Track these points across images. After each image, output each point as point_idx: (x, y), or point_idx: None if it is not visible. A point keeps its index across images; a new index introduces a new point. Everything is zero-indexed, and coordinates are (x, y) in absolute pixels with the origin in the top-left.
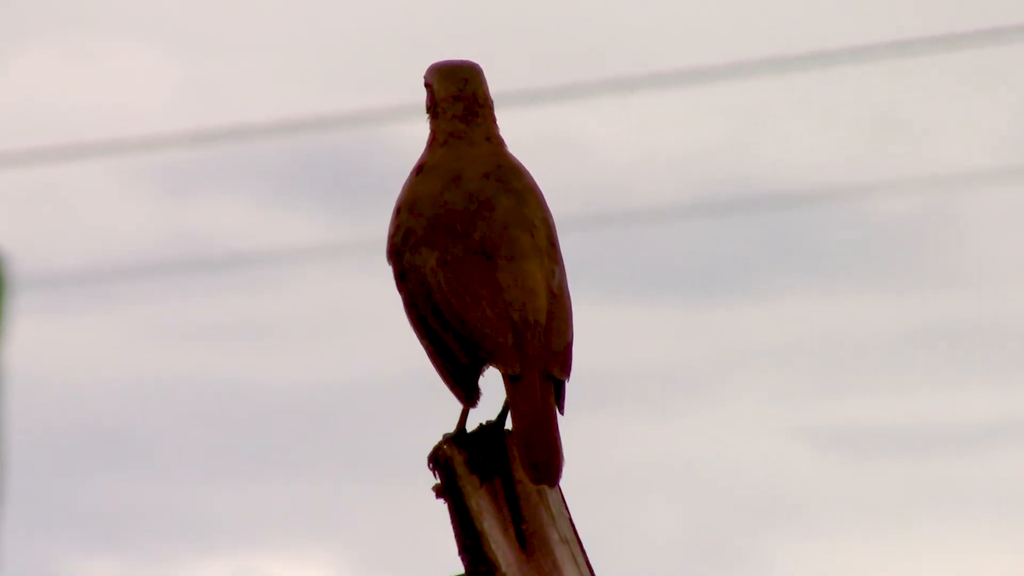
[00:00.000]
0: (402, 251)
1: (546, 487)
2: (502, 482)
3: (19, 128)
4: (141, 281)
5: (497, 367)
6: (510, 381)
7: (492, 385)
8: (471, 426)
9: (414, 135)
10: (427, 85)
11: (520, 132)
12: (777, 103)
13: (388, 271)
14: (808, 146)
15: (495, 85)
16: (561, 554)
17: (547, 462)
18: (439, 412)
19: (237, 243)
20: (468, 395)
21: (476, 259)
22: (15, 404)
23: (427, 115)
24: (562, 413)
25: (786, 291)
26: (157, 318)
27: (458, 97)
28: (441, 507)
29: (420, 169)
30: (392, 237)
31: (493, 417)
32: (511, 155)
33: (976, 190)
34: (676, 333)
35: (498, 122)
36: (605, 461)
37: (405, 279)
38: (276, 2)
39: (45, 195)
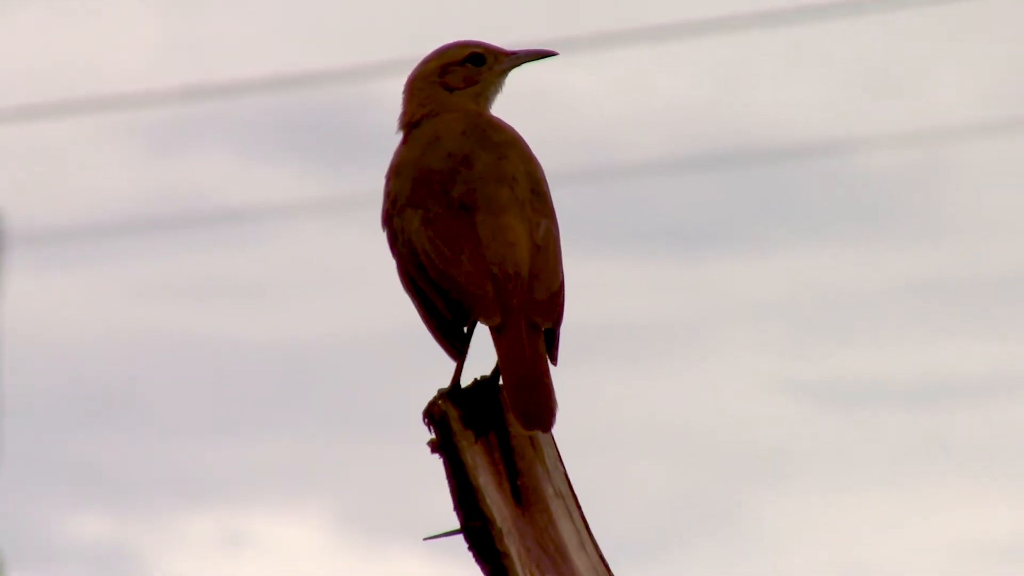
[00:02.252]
0: (392, 215)
1: (539, 434)
2: (497, 437)
3: (6, 86)
4: (129, 237)
5: (480, 320)
6: (495, 332)
7: (486, 341)
8: (465, 381)
9: (398, 92)
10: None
11: (508, 88)
12: (766, 57)
13: (373, 225)
14: (797, 101)
15: (491, 42)
16: (556, 508)
17: (537, 407)
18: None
19: (223, 199)
20: (457, 350)
21: (456, 215)
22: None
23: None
24: (554, 363)
25: (776, 245)
26: (146, 274)
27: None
28: (433, 463)
29: (406, 140)
30: (384, 203)
31: (488, 373)
32: (491, 114)
33: (965, 143)
34: (665, 287)
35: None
36: (594, 414)
37: (397, 241)
38: None
39: (33, 152)
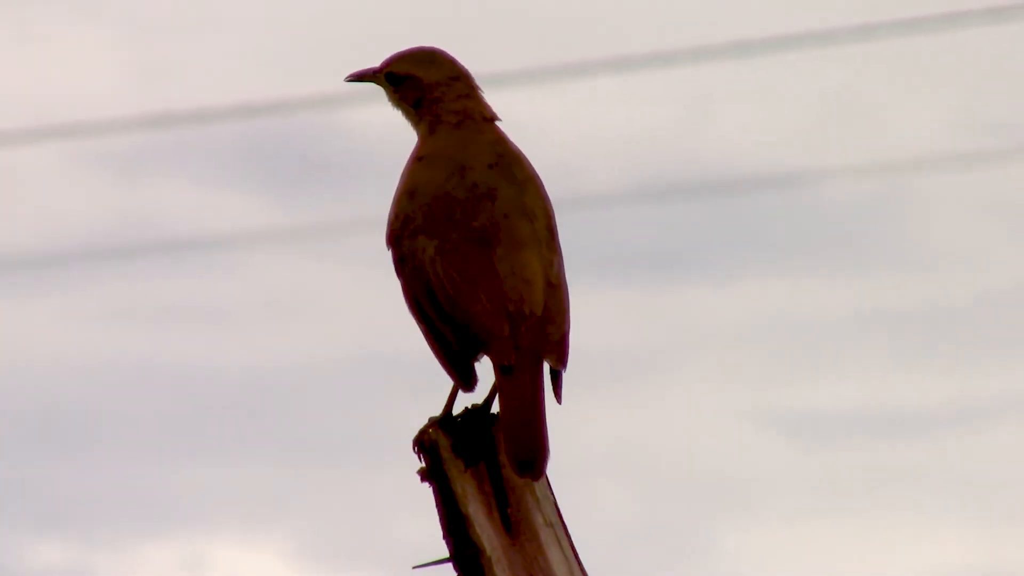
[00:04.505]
0: (401, 237)
1: (527, 478)
2: (487, 466)
3: None
4: (93, 264)
5: (492, 357)
6: (503, 372)
7: (480, 369)
8: (458, 409)
9: (363, 121)
10: (407, 75)
11: (497, 115)
12: (730, 88)
13: (338, 253)
14: (761, 131)
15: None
16: (546, 537)
17: (532, 457)
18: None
19: (188, 227)
20: (465, 380)
21: (474, 248)
22: None
23: (405, 105)
24: (559, 402)
25: (739, 275)
26: (109, 301)
27: (455, 78)
28: (407, 491)
29: (421, 156)
30: (392, 223)
31: (479, 401)
32: (512, 143)
33: (928, 174)
34: (629, 316)
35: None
36: (560, 442)
37: (404, 265)
38: None
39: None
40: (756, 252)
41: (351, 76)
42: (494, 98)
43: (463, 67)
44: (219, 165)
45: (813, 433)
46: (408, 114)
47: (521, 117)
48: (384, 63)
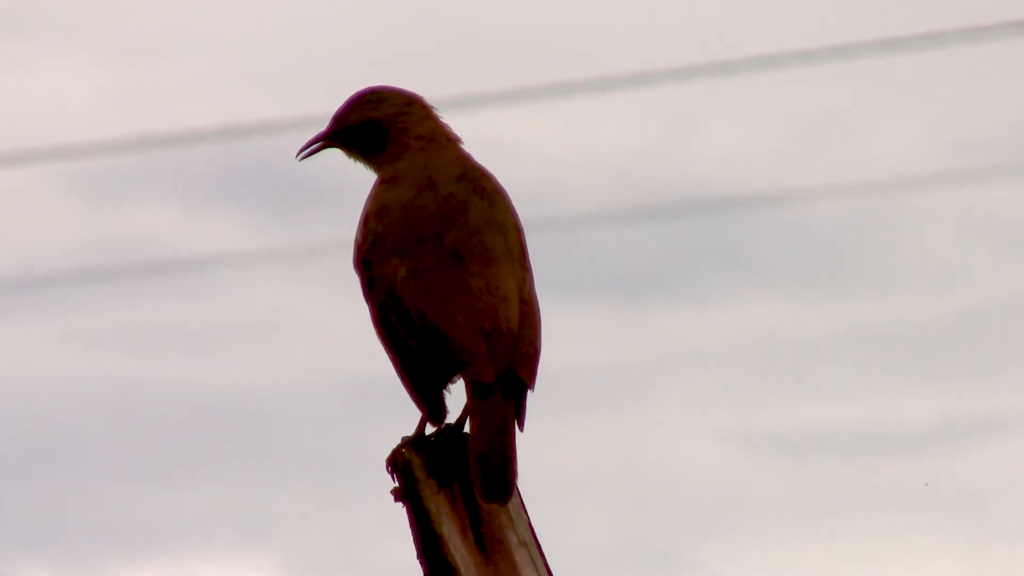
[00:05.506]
0: (371, 260)
1: (494, 503)
2: (460, 486)
3: None
4: (71, 287)
5: (465, 376)
6: (477, 392)
7: (453, 389)
8: (430, 429)
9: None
10: (361, 122)
11: (459, 135)
12: (711, 108)
13: (318, 275)
14: (741, 151)
15: (435, 90)
16: (520, 557)
17: (502, 480)
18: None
19: (166, 249)
20: (434, 411)
21: (448, 266)
22: None
23: (363, 158)
24: (521, 430)
25: (720, 294)
26: (88, 323)
27: (408, 103)
28: (381, 512)
29: (387, 179)
30: (360, 246)
31: (452, 421)
32: (475, 161)
33: (908, 193)
34: (611, 336)
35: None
36: (538, 462)
37: (373, 288)
38: (205, 11)
39: None
40: (736, 272)
41: (301, 152)
42: (475, 119)
43: (411, 93)
44: (200, 187)
45: (793, 452)
46: (369, 164)
47: (502, 137)
48: (332, 123)
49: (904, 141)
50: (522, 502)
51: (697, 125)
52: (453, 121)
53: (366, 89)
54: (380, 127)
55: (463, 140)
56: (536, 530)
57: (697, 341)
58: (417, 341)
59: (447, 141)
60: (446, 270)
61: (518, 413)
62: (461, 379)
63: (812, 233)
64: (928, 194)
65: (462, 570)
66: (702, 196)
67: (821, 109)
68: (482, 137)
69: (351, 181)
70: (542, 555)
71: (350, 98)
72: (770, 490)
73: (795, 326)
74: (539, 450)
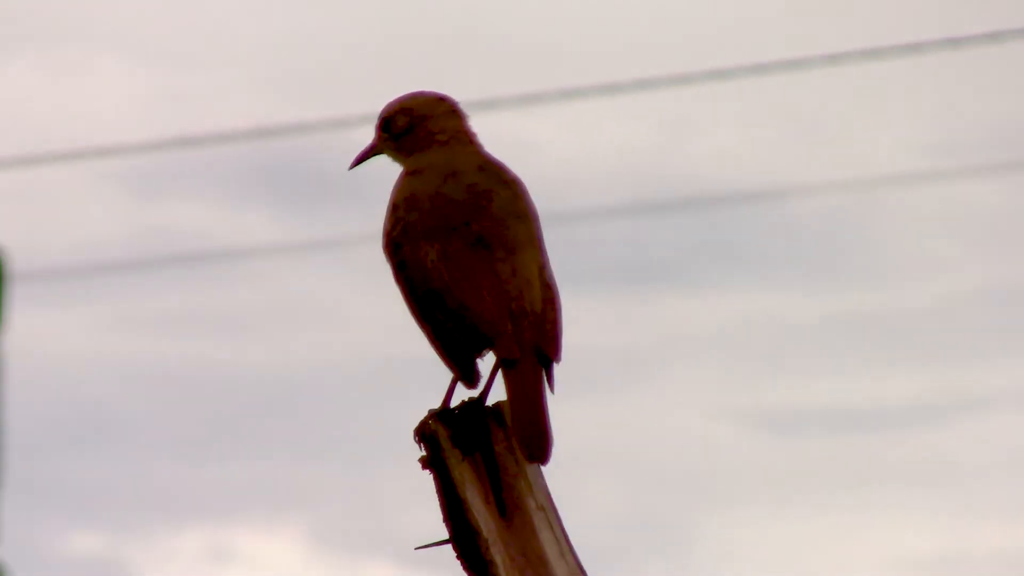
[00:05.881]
0: (401, 244)
1: (536, 462)
2: (483, 455)
3: (7, 135)
4: (119, 275)
5: (497, 352)
6: (507, 365)
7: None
8: (455, 402)
9: (365, 142)
10: (399, 110)
11: (478, 135)
12: (708, 111)
13: (342, 263)
14: (737, 151)
15: (458, 93)
16: (538, 521)
17: (540, 442)
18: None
19: (203, 240)
20: (467, 375)
21: (476, 251)
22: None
23: (391, 140)
24: (552, 392)
25: (717, 283)
26: (135, 309)
27: (441, 99)
28: (408, 481)
29: (412, 171)
30: (389, 232)
31: (475, 395)
32: (492, 156)
33: (890, 191)
34: (615, 322)
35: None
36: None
37: (404, 271)
38: (237, 22)
39: (33, 197)
40: (733, 262)
41: (354, 163)
42: (492, 120)
43: (442, 95)
44: (232, 184)
45: (785, 428)
46: (398, 157)
47: (516, 137)
48: (378, 132)
49: (886, 142)
50: (540, 470)
51: (696, 127)
52: (475, 121)
53: (405, 95)
54: (412, 115)
55: (480, 140)
56: (552, 496)
57: (697, 326)
58: (447, 320)
59: (467, 139)
60: (474, 255)
61: (548, 380)
62: (490, 353)
63: (803, 227)
64: (908, 191)
65: (484, 532)
66: (701, 192)
67: (810, 112)
68: (501, 136)
69: (372, 178)
70: (558, 519)
71: (390, 104)
72: (763, 463)
73: (787, 313)
74: (555, 425)
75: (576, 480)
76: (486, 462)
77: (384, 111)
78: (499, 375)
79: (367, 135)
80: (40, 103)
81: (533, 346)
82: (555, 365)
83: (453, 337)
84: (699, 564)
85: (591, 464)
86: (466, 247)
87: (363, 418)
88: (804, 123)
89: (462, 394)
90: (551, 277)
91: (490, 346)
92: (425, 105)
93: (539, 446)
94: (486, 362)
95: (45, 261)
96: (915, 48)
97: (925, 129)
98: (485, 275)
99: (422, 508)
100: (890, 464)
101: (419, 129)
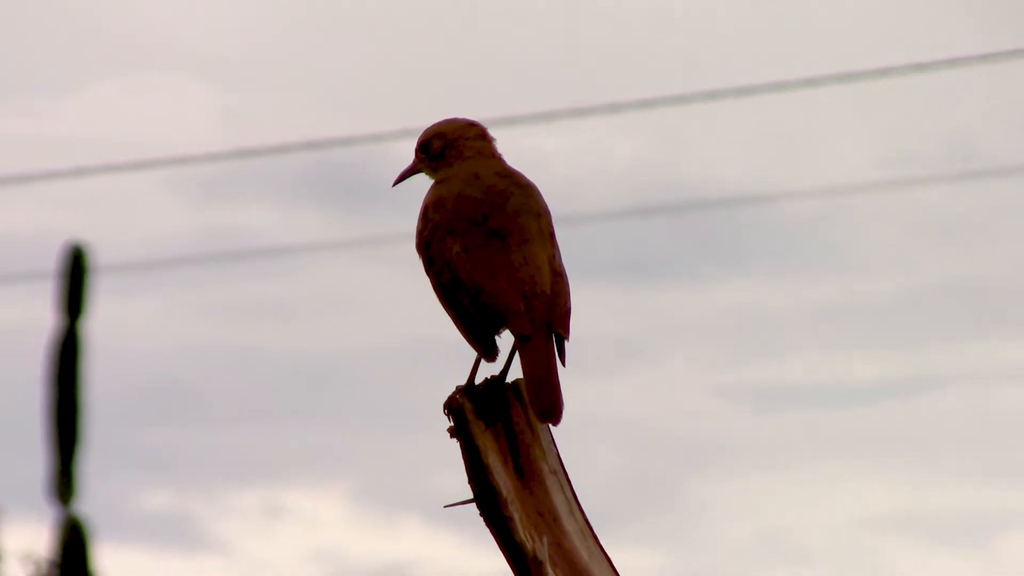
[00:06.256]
0: (430, 241)
1: (537, 423)
2: (503, 425)
3: (94, 146)
4: (189, 268)
5: (511, 329)
6: (521, 341)
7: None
8: (479, 380)
9: (410, 153)
10: (435, 135)
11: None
12: (700, 126)
13: (384, 259)
14: (725, 161)
15: (476, 112)
16: (551, 483)
17: (551, 405)
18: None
19: (261, 238)
20: (488, 351)
21: (493, 244)
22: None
23: (427, 159)
24: (564, 365)
25: (708, 277)
26: (203, 297)
27: (472, 124)
28: (445, 447)
29: (441, 180)
30: (421, 232)
31: (497, 373)
32: (511, 167)
33: (858, 198)
34: (620, 310)
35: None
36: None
37: (434, 264)
38: (290, 50)
39: (114, 200)
40: (721, 259)
41: (397, 181)
42: (511, 134)
43: (472, 121)
44: (286, 189)
45: (766, 403)
46: (431, 172)
47: (532, 149)
48: (417, 154)
49: (854, 155)
50: (552, 437)
51: (688, 141)
52: (497, 136)
53: (440, 121)
54: (446, 146)
55: (502, 156)
56: (562, 460)
57: (690, 314)
58: (470, 302)
59: (490, 154)
60: (492, 247)
61: (560, 354)
62: (507, 331)
63: (782, 228)
64: (874, 197)
65: (504, 492)
66: (694, 198)
67: (788, 128)
68: (519, 149)
69: (407, 186)
70: (568, 481)
71: (427, 130)
72: (746, 433)
73: (768, 302)
74: (564, 393)
75: (583, 446)
76: (506, 432)
77: (422, 136)
78: (516, 355)
79: (403, 148)
80: (121, 119)
81: (544, 323)
82: (566, 342)
83: (474, 318)
84: (689, 520)
85: (597, 432)
86: (485, 241)
87: (398, 393)
88: (784, 138)
89: (485, 372)
90: (561, 265)
91: (505, 324)
92: (458, 130)
93: (549, 408)
94: (504, 341)
95: (124, 256)
96: (881, 73)
97: (888, 143)
98: (500, 263)
99: (449, 472)
100: (857, 434)
101: (451, 150)
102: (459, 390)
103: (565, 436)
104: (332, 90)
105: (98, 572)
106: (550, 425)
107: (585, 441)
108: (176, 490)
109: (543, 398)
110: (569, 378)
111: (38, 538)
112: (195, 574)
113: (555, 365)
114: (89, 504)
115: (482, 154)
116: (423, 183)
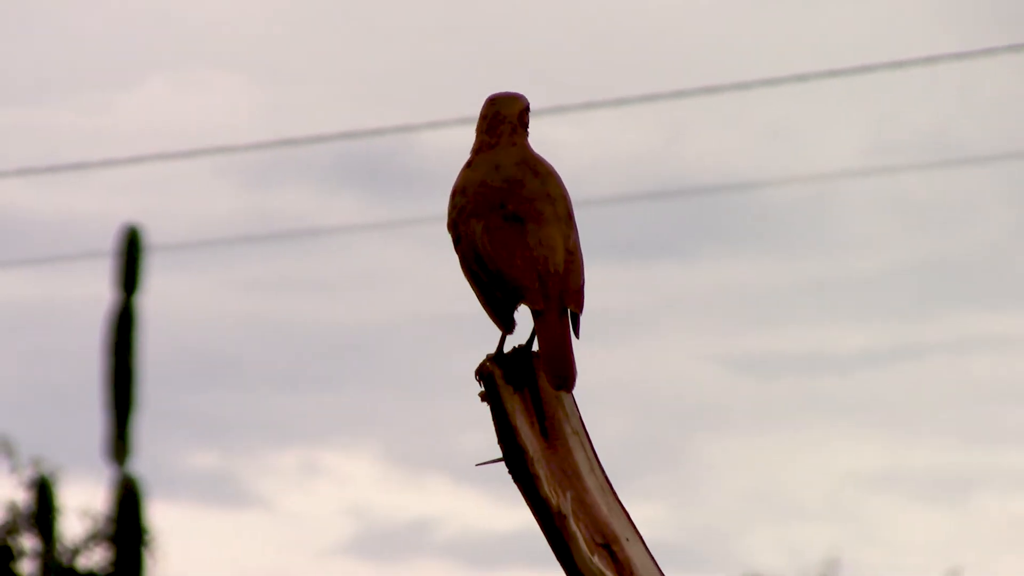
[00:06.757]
0: (457, 222)
1: (564, 392)
2: (530, 390)
3: (147, 136)
4: (235, 248)
5: (527, 304)
6: (536, 315)
7: (525, 320)
8: (507, 349)
9: (435, 143)
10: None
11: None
12: (698, 118)
13: (417, 240)
14: (720, 151)
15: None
16: (573, 443)
17: (565, 373)
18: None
19: (303, 220)
20: (507, 325)
21: (511, 225)
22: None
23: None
24: (578, 338)
25: (706, 256)
26: (248, 274)
27: (526, 109)
28: (474, 410)
29: (469, 164)
30: (450, 212)
31: (523, 342)
32: (535, 153)
33: (843, 183)
34: (625, 286)
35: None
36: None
37: (460, 243)
38: (333, 44)
39: (165, 185)
40: (716, 239)
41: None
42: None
43: (516, 97)
44: (326, 175)
45: (760, 371)
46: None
47: (545, 139)
48: (526, 123)
49: (840, 144)
50: (575, 401)
51: (688, 131)
52: None
53: (507, 94)
54: (500, 117)
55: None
56: (585, 422)
57: (690, 290)
58: (490, 279)
59: (513, 142)
60: (509, 229)
61: (575, 327)
62: (524, 306)
63: (773, 211)
64: (857, 183)
65: (530, 452)
66: (693, 184)
67: (779, 119)
68: (534, 139)
69: (439, 171)
70: (589, 441)
71: (517, 100)
72: (743, 398)
73: (762, 279)
74: (580, 368)
75: (597, 409)
76: (532, 396)
77: (520, 106)
78: None
79: (431, 138)
80: (173, 111)
81: (557, 299)
82: (580, 317)
83: (494, 294)
84: (691, 477)
85: (609, 399)
86: (504, 223)
87: (426, 362)
88: (776, 128)
89: (513, 342)
90: (576, 246)
91: (522, 299)
92: (511, 106)
93: (562, 376)
94: (526, 316)
95: (175, 237)
96: (865, 70)
97: (872, 134)
98: (517, 244)
99: (478, 433)
100: (844, 399)
101: (495, 123)
102: (489, 358)
103: (584, 401)
104: (366, 84)
105: (150, 527)
106: (565, 392)
107: (597, 406)
108: (221, 451)
109: (556, 367)
110: (583, 348)
111: (95, 495)
112: (238, 528)
113: (569, 337)
114: (142, 464)
115: (510, 140)
116: (451, 166)
